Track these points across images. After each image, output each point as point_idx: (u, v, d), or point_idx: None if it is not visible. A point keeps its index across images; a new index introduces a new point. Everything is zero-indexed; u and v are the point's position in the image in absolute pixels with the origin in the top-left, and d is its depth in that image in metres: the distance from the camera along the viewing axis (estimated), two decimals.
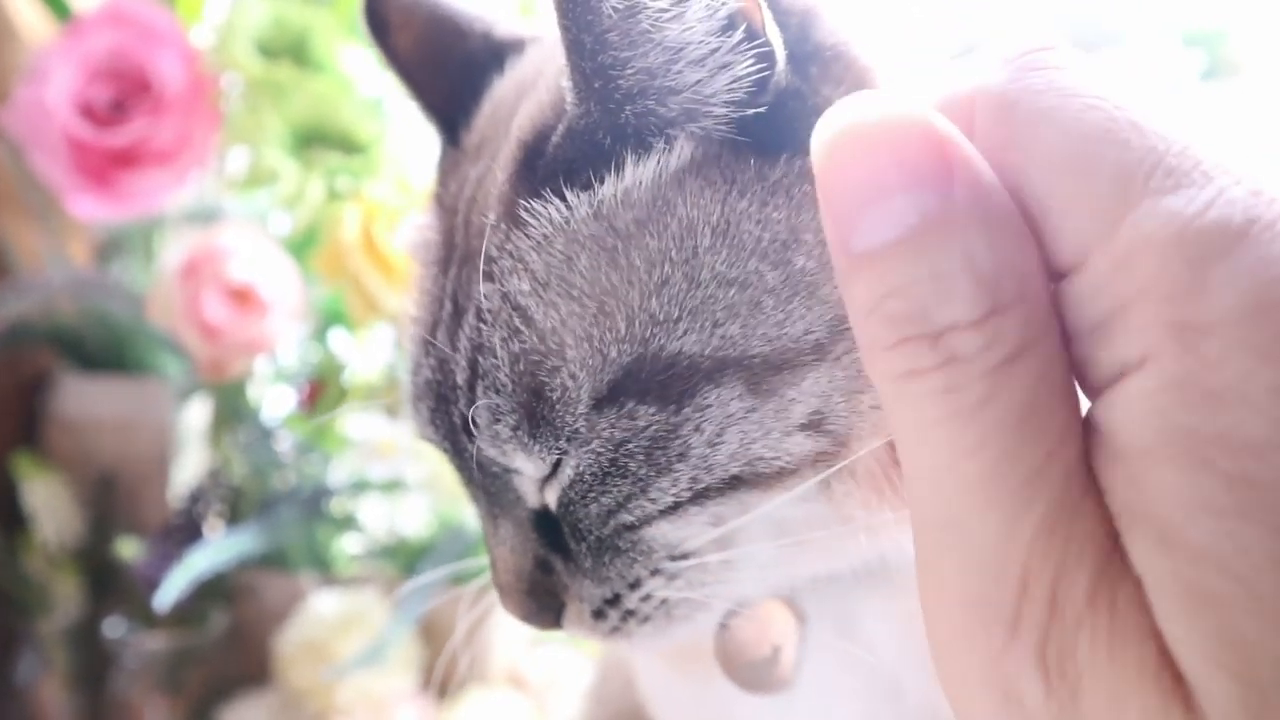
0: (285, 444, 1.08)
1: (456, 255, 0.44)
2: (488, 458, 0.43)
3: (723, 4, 0.37)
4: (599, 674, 0.79)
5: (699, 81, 0.38)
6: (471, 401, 0.42)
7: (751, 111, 0.38)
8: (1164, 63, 1.70)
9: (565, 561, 0.44)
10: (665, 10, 0.36)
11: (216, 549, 0.96)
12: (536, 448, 0.41)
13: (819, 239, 0.37)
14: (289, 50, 1.05)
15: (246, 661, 1.07)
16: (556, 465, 0.41)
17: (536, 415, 0.40)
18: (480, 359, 0.41)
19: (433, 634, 1.07)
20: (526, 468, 0.42)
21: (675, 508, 0.40)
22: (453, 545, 1.05)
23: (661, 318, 0.38)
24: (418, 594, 0.99)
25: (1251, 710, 0.24)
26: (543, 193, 0.39)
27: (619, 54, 0.37)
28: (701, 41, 0.37)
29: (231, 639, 1.06)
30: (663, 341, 0.38)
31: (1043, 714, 0.26)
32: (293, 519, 1.06)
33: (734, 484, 0.40)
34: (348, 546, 1.13)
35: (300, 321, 1.06)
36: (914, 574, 0.34)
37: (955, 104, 0.30)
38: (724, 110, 0.38)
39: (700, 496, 0.40)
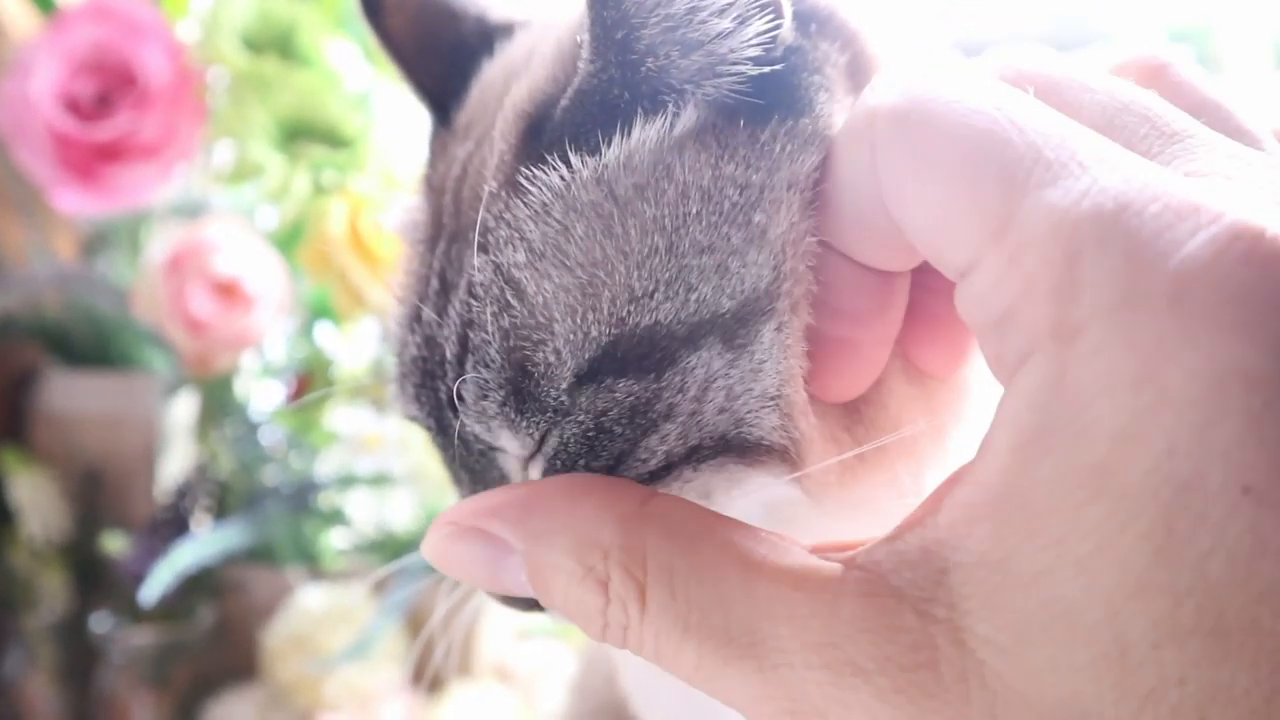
0: (272, 438, 1.08)
1: (445, 233, 0.44)
2: (473, 434, 0.42)
3: None
4: (582, 666, 0.79)
5: (721, 34, 0.38)
6: (459, 376, 0.41)
7: (768, 69, 0.38)
8: None
9: None
10: None
11: (203, 543, 0.96)
12: (523, 423, 0.40)
13: (774, 192, 0.38)
14: (274, 44, 1.05)
15: (234, 656, 1.07)
16: (541, 441, 0.41)
17: (522, 391, 0.39)
18: (470, 334, 0.40)
19: (420, 628, 1.07)
20: (511, 445, 0.42)
21: (668, 469, 0.40)
22: None
23: (639, 293, 0.38)
24: (403, 585, 1.00)
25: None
26: (547, 158, 0.39)
27: (645, 1, 0.37)
28: (718, 17, 0.37)
29: (218, 633, 1.06)
30: (639, 318, 0.38)
31: None
32: (280, 513, 1.06)
33: (723, 447, 0.39)
34: (335, 541, 1.13)
35: (286, 316, 1.05)
36: None
37: (859, 123, 0.33)
38: (742, 67, 0.38)
39: (693, 455, 0.39)
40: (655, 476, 0.40)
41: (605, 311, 0.38)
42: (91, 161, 1.02)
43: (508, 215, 0.40)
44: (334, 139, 1.04)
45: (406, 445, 0.99)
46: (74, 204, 1.03)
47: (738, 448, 0.39)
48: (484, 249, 0.40)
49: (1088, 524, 0.26)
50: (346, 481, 1.08)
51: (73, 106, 1.02)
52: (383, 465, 1.02)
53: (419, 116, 1.03)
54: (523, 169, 0.39)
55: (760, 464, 0.40)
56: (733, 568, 0.32)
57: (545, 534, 0.35)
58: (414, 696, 1.05)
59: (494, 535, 0.36)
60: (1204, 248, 0.25)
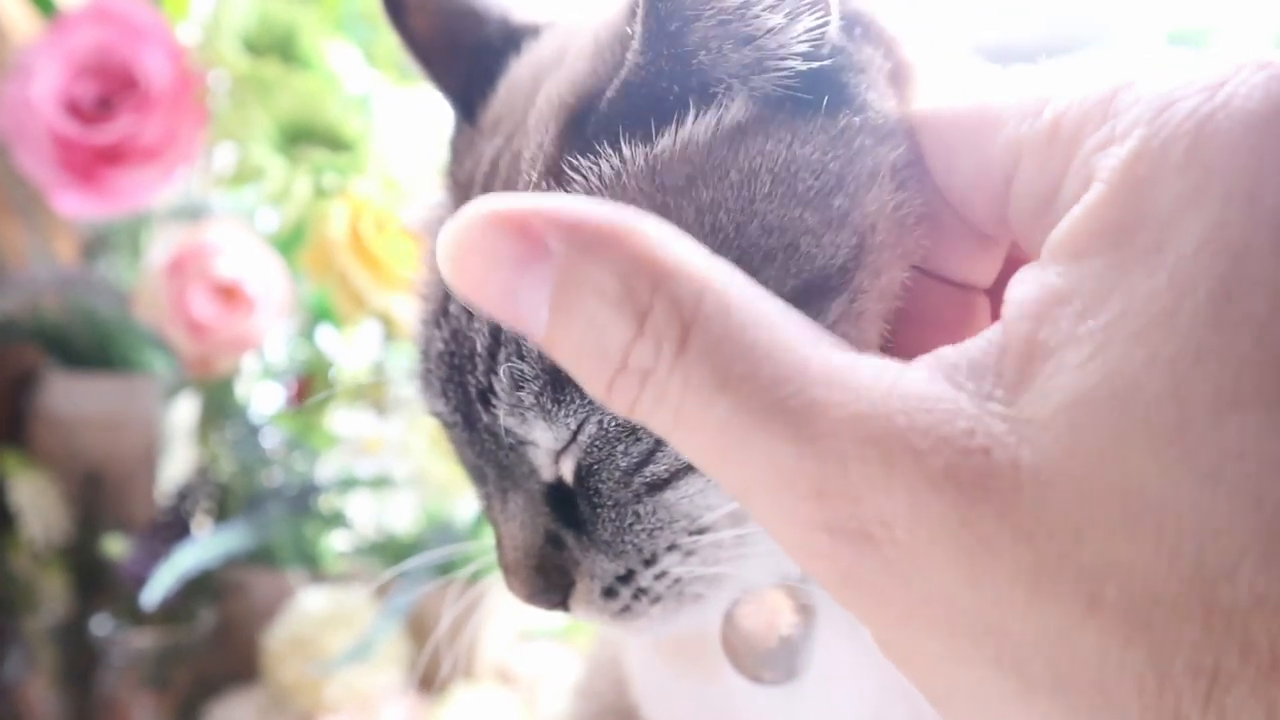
0: (273, 441, 1.09)
1: None
2: (503, 428, 0.43)
3: None
4: (587, 669, 0.79)
5: (772, 29, 0.38)
6: (491, 370, 0.41)
7: (816, 64, 0.39)
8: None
9: (577, 536, 0.44)
10: None
11: (204, 546, 0.96)
12: (561, 413, 0.40)
13: (857, 179, 0.39)
14: (275, 47, 1.05)
15: (234, 658, 1.07)
16: (577, 430, 0.41)
17: (561, 380, 0.40)
18: (504, 326, 0.41)
19: (421, 630, 1.07)
20: (544, 438, 0.42)
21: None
22: (441, 541, 1.06)
23: None
24: (405, 589, 1.00)
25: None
26: (595, 147, 0.39)
27: None
28: (772, 10, 0.38)
29: (219, 636, 1.06)
30: None
31: None
32: (280, 516, 1.06)
33: None
34: (336, 543, 1.13)
35: (287, 318, 1.06)
36: None
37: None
38: (791, 62, 0.39)
39: None
40: (683, 470, 0.41)
41: None
42: (92, 164, 1.02)
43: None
44: (335, 142, 1.04)
45: (407, 448, 0.99)
46: (75, 207, 1.03)
47: None
48: None
49: (1145, 295, 0.26)
50: (347, 484, 1.09)
51: (74, 109, 1.02)
52: (383, 468, 1.03)
53: (421, 119, 1.03)
54: (569, 158, 0.40)
55: None
56: (796, 331, 0.30)
57: (596, 245, 0.30)
58: (415, 699, 1.05)
59: (533, 234, 0.30)
60: (1236, 70, 0.28)
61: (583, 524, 0.44)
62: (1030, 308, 0.28)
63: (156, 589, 0.90)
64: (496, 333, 0.42)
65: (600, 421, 0.40)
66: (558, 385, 0.40)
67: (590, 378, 0.31)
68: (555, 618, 0.72)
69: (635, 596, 0.44)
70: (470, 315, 0.43)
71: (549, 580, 0.44)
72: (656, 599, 0.44)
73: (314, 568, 1.10)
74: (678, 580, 0.44)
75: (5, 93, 1.02)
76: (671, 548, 0.43)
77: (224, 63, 1.02)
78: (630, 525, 0.43)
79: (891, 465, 0.27)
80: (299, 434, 1.07)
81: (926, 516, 0.27)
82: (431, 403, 0.46)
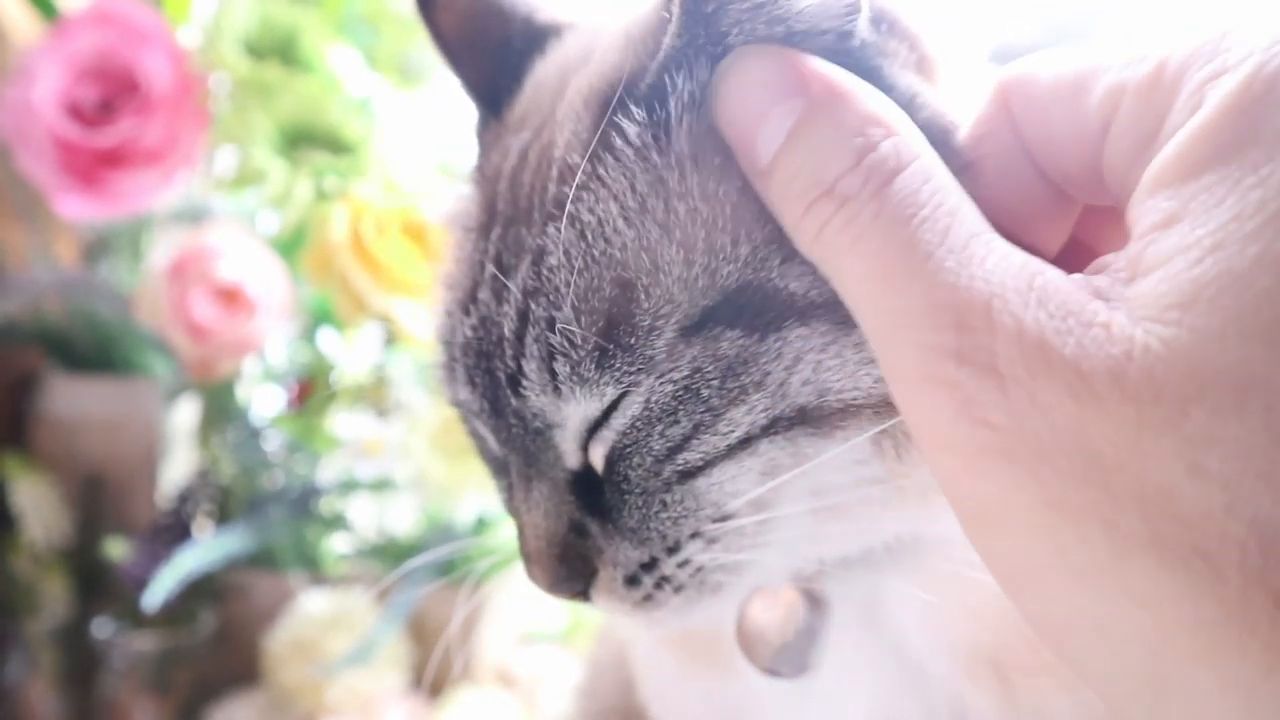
0: (274, 443, 1.09)
1: (499, 219, 0.45)
2: (533, 411, 0.43)
3: None
4: (588, 670, 0.79)
5: (801, 12, 0.40)
6: (519, 353, 0.42)
7: (847, 47, 0.41)
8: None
9: (602, 524, 0.45)
10: None
11: (205, 549, 0.96)
12: (604, 378, 0.41)
13: None
14: (276, 50, 1.05)
15: (235, 661, 1.07)
16: (613, 406, 0.42)
17: (607, 347, 0.41)
18: (533, 306, 0.42)
19: (421, 632, 1.07)
20: (575, 415, 0.43)
21: (744, 443, 0.41)
22: (441, 543, 1.06)
23: (774, 247, 0.40)
24: (406, 592, 1.00)
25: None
26: (638, 118, 0.41)
27: None
28: None
29: (220, 638, 1.06)
30: (773, 276, 0.40)
31: None
32: (281, 518, 1.06)
33: (800, 419, 0.40)
34: (336, 545, 1.13)
35: (288, 321, 1.06)
36: (943, 555, 0.41)
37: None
38: (823, 41, 0.40)
39: (768, 430, 0.41)
40: (729, 453, 0.41)
41: (738, 255, 0.40)
42: (94, 167, 1.02)
43: (592, 182, 0.41)
44: (336, 145, 1.04)
45: (408, 450, 1.00)
46: (76, 210, 1.03)
47: (815, 418, 0.41)
48: (559, 219, 0.41)
49: (1257, 201, 0.29)
50: (348, 486, 1.09)
51: (75, 112, 1.02)
52: (384, 470, 1.03)
53: (422, 122, 1.03)
54: (613, 131, 0.41)
55: (839, 429, 0.41)
56: (972, 209, 0.35)
57: (846, 94, 0.37)
58: (416, 701, 1.05)
59: (803, 76, 0.38)
60: None
61: (607, 512, 0.44)
62: (1144, 230, 0.31)
63: (158, 592, 0.90)
64: (524, 314, 0.42)
65: (646, 397, 0.41)
66: (603, 352, 0.41)
67: (795, 199, 0.36)
68: (555, 619, 0.72)
69: (658, 585, 0.45)
70: (498, 301, 0.43)
71: (572, 568, 0.45)
72: (679, 587, 0.45)
73: (315, 570, 1.10)
74: (700, 569, 0.44)
75: (7, 96, 1.02)
76: (695, 535, 0.43)
77: (225, 66, 1.02)
78: (656, 513, 0.43)
79: (1025, 317, 0.31)
80: (300, 436, 1.08)
81: (1049, 364, 0.30)
82: (456, 392, 0.46)
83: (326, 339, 1.08)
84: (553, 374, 0.42)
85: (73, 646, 1.06)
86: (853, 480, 0.43)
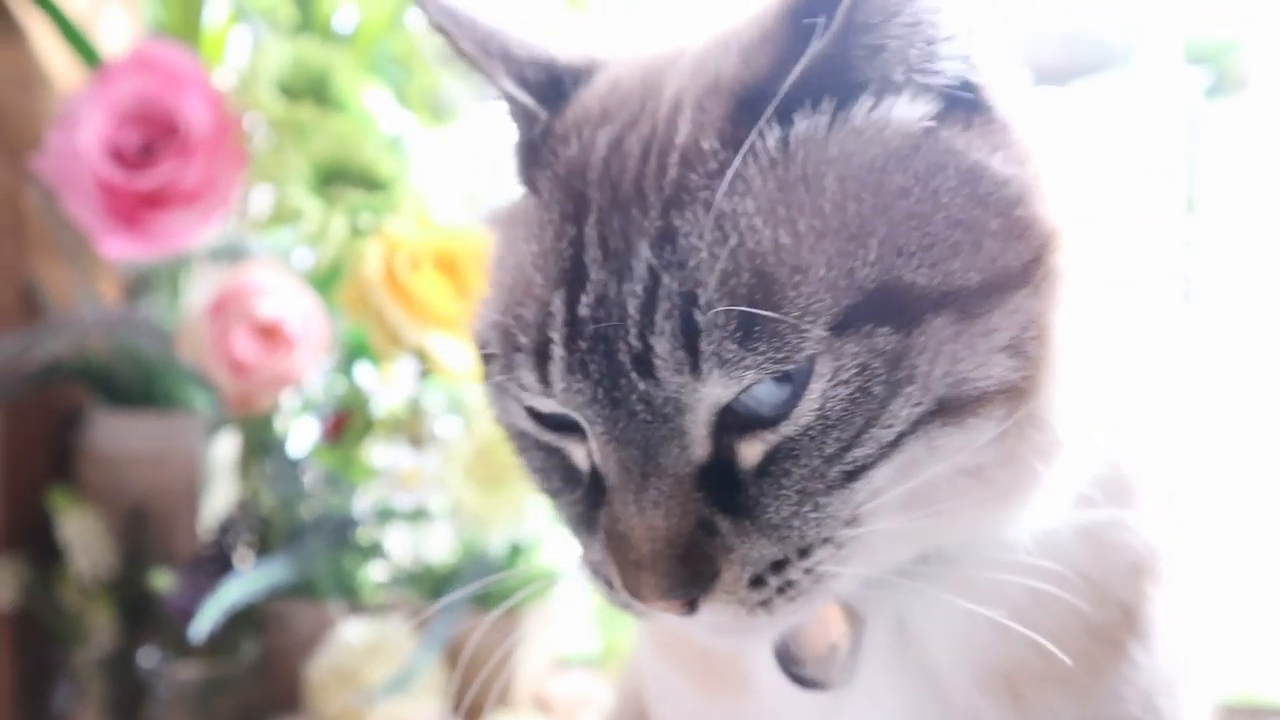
0: (312, 475, 1.11)
1: (593, 206, 0.45)
2: (665, 395, 0.43)
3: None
4: (619, 697, 0.81)
5: (950, 37, 0.44)
6: (648, 331, 0.42)
7: (979, 79, 0.45)
8: (1168, 82, 1.71)
9: (735, 521, 0.44)
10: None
11: (248, 579, 0.98)
12: (745, 360, 0.42)
13: (1040, 190, 0.45)
14: (310, 90, 1.08)
15: (277, 689, 1.09)
16: (792, 405, 0.43)
17: (752, 330, 0.41)
18: (666, 283, 0.42)
19: (458, 659, 1.08)
20: (706, 400, 0.43)
21: (896, 441, 0.43)
22: (477, 571, 1.07)
23: (903, 250, 0.42)
24: (444, 620, 1.01)
25: None
26: (783, 121, 0.44)
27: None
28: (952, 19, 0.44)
29: (262, 667, 1.08)
30: (902, 273, 0.42)
31: None
32: (320, 548, 1.08)
33: (939, 411, 0.43)
34: (374, 574, 1.15)
35: (325, 355, 1.08)
36: (974, 567, 0.43)
37: None
38: (967, 71, 0.45)
39: (915, 425, 0.43)
40: (884, 452, 0.43)
41: (872, 258, 0.42)
42: (136, 209, 1.05)
43: (730, 174, 0.43)
44: (369, 182, 1.06)
45: (444, 481, 1.01)
46: (120, 250, 1.06)
47: (952, 409, 0.43)
48: (691, 205, 0.43)
49: None
50: (385, 516, 1.11)
51: (118, 156, 1.05)
52: (420, 500, 1.04)
53: (453, 158, 1.04)
54: (758, 131, 0.43)
55: (971, 418, 0.43)
56: None
57: None
58: None
59: None
60: None
61: (743, 508, 0.44)
62: None
63: (204, 623, 0.92)
64: (653, 293, 0.43)
65: (822, 401, 0.42)
66: (746, 335, 0.41)
67: None
68: (589, 645, 0.72)
69: (780, 589, 0.44)
70: (619, 281, 0.43)
71: (693, 570, 0.44)
72: (798, 594, 0.45)
73: (353, 599, 1.12)
74: (819, 577, 0.45)
75: (52, 141, 1.06)
76: (826, 540, 0.44)
77: (260, 106, 1.05)
78: (807, 512, 0.44)
79: None
80: (337, 468, 1.10)
81: None
82: (562, 383, 0.45)
83: (362, 372, 1.10)
84: (692, 351, 0.42)
85: (119, 676, 1.08)
86: (950, 475, 0.45)
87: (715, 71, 0.46)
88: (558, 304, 0.45)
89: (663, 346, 0.42)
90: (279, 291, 1.02)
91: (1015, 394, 0.44)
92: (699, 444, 0.44)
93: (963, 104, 0.45)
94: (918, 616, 0.54)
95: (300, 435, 1.14)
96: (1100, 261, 0.49)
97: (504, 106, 0.52)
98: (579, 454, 0.48)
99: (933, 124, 0.45)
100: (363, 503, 1.12)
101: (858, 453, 0.43)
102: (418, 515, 1.08)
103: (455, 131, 1.13)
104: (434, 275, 1.03)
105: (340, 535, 1.09)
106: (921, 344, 0.42)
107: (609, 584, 0.47)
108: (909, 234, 0.43)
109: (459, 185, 1.11)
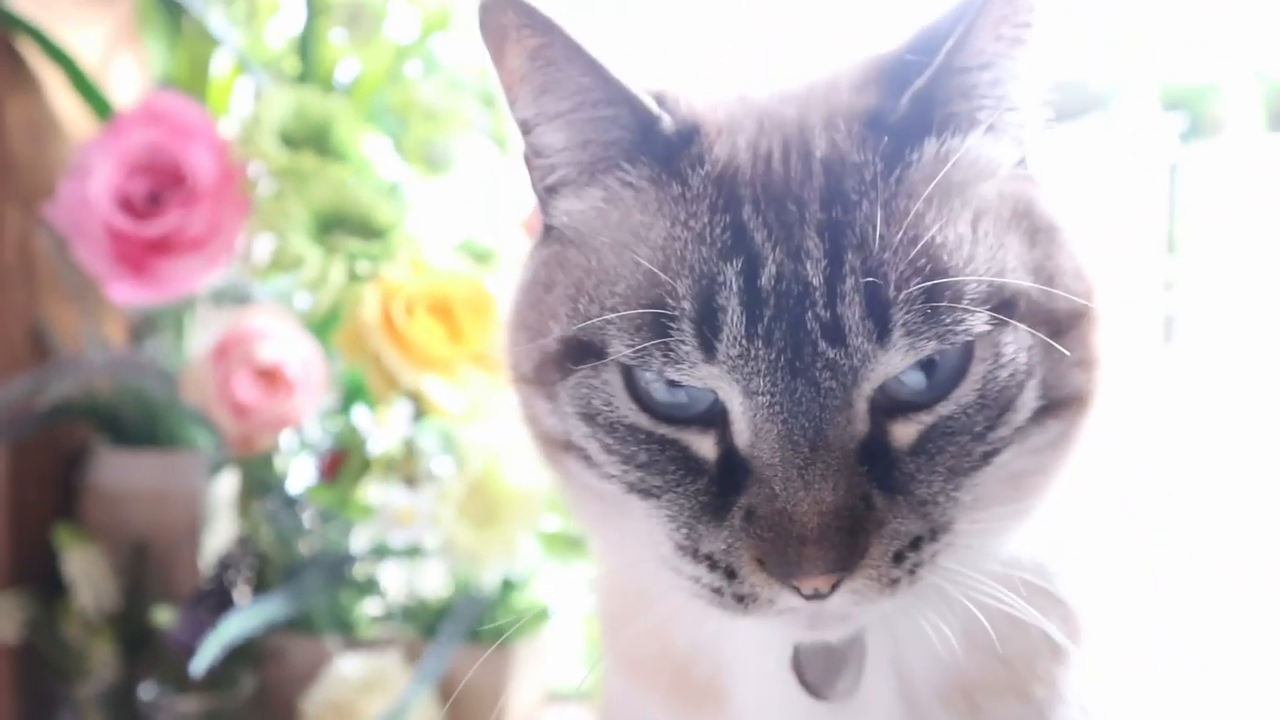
0: (309, 513, 1.14)
1: (744, 199, 0.50)
2: (851, 364, 0.47)
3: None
4: None
5: (1017, 78, 0.52)
6: (836, 297, 0.47)
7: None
8: (1145, 126, 1.76)
9: (887, 496, 0.48)
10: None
11: (247, 615, 1.01)
12: (929, 332, 0.47)
13: (1085, 242, 0.54)
14: (311, 140, 1.12)
15: None
16: (957, 378, 0.48)
17: (938, 305, 0.47)
18: (850, 258, 0.47)
19: (451, 693, 1.11)
20: (879, 370, 0.47)
21: (1023, 427, 0.50)
22: (469, 607, 1.10)
23: (1027, 267, 0.50)
24: (437, 654, 1.04)
25: None
26: (926, 138, 0.50)
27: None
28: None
29: (260, 700, 1.11)
30: (1028, 287, 0.49)
31: None
32: (317, 584, 1.11)
33: (1041, 408, 0.50)
34: (370, 610, 1.18)
35: (323, 397, 1.11)
36: (965, 585, 0.49)
37: None
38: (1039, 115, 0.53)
39: (1032, 417, 0.50)
40: (1013, 436, 0.49)
41: (1011, 269, 0.49)
42: (143, 255, 1.09)
43: (889, 177, 0.49)
44: (367, 230, 1.10)
45: (437, 518, 1.04)
46: (127, 295, 1.10)
47: (1047, 407, 0.50)
48: (859, 203, 0.49)
49: None
50: (380, 553, 1.13)
51: (127, 205, 1.09)
52: (414, 537, 1.07)
53: (448, 207, 1.08)
54: (907, 147, 0.50)
55: (1055, 419, 0.51)
56: None
57: None
58: None
59: None
60: None
61: (897, 484, 0.48)
62: None
63: (204, 658, 0.95)
64: (836, 268, 0.47)
65: (983, 383, 0.48)
66: (932, 310, 0.47)
67: None
68: (579, 679, 0.75)
69: (914, 568, 0.49)
70: (795, 259, 0.48)
71: (853, 544, 0.47)
72: (917, 579, 0.49)
73: (349, 633, 1.14)
74: (936, 565, 0.49)
75: (64, 190, 1.10)
76: (953, 523, 0.50)
77: (263, 155, 1.09)
78: (949, 489, 0.49)
79: None
80: (334, 506, 1.13)
81: None
82: (745, 349, 0.47)
83: (359, 413, 1.14)
84: (881, 321, 0.47)
85: (120, 709, 1.11)
86: (999, 479, 0.51)
87: (831, 104, 0.53)
88: (729, 274, 0.48)
89: (853, 315, 0.47)
90: (279, 336, 1.06)
91: (1080, 404, 0.52)
92: (861, 419, 0.48)
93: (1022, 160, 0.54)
94: (904, 634, 0.57)
95: (298, 474, 1.17)
96: (1118, 315, 0.56)
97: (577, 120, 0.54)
98: (703, 444, 0.50)
99: (1021, 170, 0.53)
100: (359, 540, 1.15)
101: (1000, 433, 0.49)
102: (412, 552, 1.11)
103: (450, 182, 1.17)
104: (429, 320, 1.07)
105: (337, 571, 1.12)
106: (1042, 347, 0.50)
107: (730, 574, 0.49)
108: (1025, 255, 0.50)
109: (454, 232, 1.15)
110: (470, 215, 1.19)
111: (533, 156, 0.56)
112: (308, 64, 1.19)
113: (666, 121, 0.52)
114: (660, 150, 0.52)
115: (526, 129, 0.55)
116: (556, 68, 0.52)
